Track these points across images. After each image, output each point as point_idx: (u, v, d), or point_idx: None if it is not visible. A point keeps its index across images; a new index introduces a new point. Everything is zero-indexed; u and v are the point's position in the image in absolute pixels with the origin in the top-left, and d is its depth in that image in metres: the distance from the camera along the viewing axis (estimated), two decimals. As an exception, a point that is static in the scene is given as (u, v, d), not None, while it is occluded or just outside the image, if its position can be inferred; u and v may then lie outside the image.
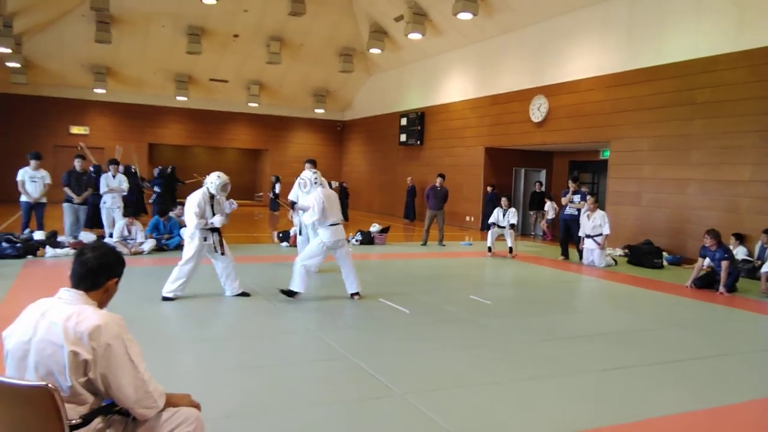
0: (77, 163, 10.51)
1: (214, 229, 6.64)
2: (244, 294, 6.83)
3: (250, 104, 23.98)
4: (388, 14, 17.90)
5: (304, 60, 21.78)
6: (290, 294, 6.73)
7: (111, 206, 10.96)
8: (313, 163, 8.43)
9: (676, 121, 11.51)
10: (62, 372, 2.12)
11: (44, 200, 10.50)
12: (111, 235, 10.25)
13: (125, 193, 11.37)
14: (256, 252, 10.86)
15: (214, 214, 6.63)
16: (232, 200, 6.94)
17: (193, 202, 6.50)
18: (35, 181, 10.32)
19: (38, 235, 9.87)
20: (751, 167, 10.27)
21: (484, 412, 3.73)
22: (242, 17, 18.69)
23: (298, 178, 7.27)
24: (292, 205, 8.64)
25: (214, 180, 6.60)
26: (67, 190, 10.27)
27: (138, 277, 7.93)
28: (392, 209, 21.41)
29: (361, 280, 7.08)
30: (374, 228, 13.18)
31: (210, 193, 6.61)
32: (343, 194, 19.12)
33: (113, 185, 10.95)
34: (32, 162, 10.34)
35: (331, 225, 6.84)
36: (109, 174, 11.05)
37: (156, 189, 14.63)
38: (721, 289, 8.25)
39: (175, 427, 2.31)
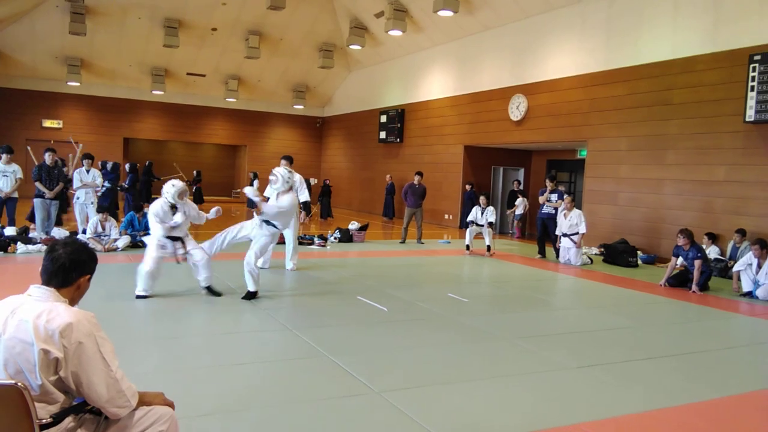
0: (47, 157, 10.25)
1: (175, 238, 6.65)
2: (210, 289, 6.69)
3: (228, 99, 23.76)
4: (369, 10, 17.87)
5: (283, 55, 21.63)
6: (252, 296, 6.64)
7: (85, 202, 10.76)
8: (290, 160, 8.37)
9: (653, 122, 11.67)
10: (32, 370, 2.07)
11: (15, 195, 10.26)
12: (84, 231, 10.07)
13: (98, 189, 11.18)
14: (234, 249, 10.74)
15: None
16: (218, 208, 7.06)
17: (153, 211, 6.61)
18: (6, 176, 10.08)
19: (9, 231, 9.66)
20: (726, 168, 10.46)
21: (460, 409, 3.73)
22: (220, 10, 18.49)
23: (271, 173, 6.99)
24: (305, 206, 8.56)
25: (169, 190, 6.64)
26: (38, 185, 10.02)
27: (112, 274, 7.80)
28: (371, 207, 21.39)
29: (338, 277, 7.08)
30: (353, 226, 13.15)
31: (169, 202, 6.65)
32: (326, 192, 19.03)
33: (87, 180, 10.75)
34: (3, 156, 10.11)
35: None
36: (83, 169, 10.84)
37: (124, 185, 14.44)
38: (694, 287, 8.39)
39: (148, 426, 2.27)
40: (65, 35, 18.34)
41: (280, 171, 6.89)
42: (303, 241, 12.06)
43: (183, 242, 6.71)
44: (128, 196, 14.16)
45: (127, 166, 15.33)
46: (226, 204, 22.91)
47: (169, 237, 6.63)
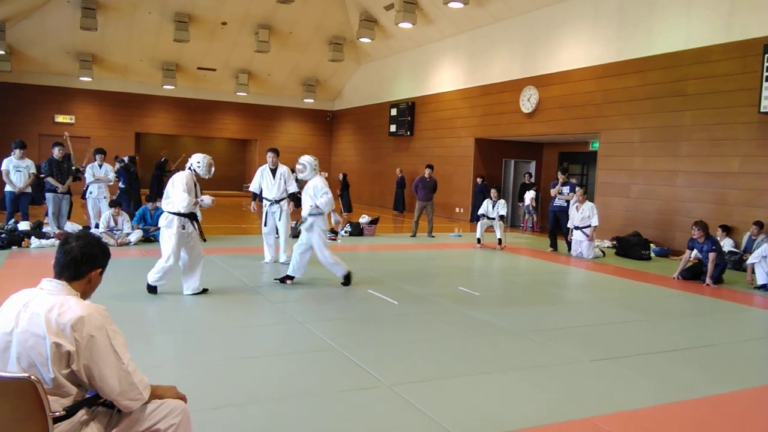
0: (56, 152, 10.30)
1: (192, 217, 6.24)
2: (204, 291, 6.40)
3: (238, 93, 23.79)
4: (379, 2, 17.79)
5: (293, 48, 21.61)
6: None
7: (97, 196, 10.81)
8: (277, 153, 8.64)
9: (666, 113, 11.54)
10: (45, 364, 2.08)
11: (29, 190, 10.35)
12: (97, 226, 10.13)
13: (112, 183, 11.23)
14: (244, 243, 10.80)
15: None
16: (213, 198, 6.51)
17: (182, 180, 6.08)
18: (20, 171, 10.17)
19: (23, 226, 9.75)
20: (740, 159, 10.33)
21: (471, 402, 3.72)
22: (230, 4, 18.50)
23: (297, 163, 7.06)
24: (293, 197, 8.60)
25: (200, 160, 6.28)
26: (50, 179, 10.10)
27: (124, 268, 7.85)
28: (382, 200, 21.37)
29: (350, 270, 7.14)
30: (363, 219, 13.14)
31: (197, 173, 6.30)
32: (346, 186, 18.83)
33: (100, 175, 10.81)
34: (17, 151, 10.19)
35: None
36: (95, 164, 10.89)
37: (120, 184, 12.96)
38: (708, 280, 8.31)
39: (161, 419, 2.28)
40: (76, 30, 18.43)
41: (307, 159, 7.05)
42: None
43: (197, 221, 6.31)
44: (123, 197, 12.39)
45: (118, 164, 13.37)
46: (237, 198, 22.99)
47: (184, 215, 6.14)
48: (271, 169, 8.57)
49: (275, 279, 7.26)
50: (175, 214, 6.10)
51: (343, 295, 6.79)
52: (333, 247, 10.81)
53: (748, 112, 10.06)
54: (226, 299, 6.33)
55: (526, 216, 15.74)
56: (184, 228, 6.14)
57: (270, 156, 8.60)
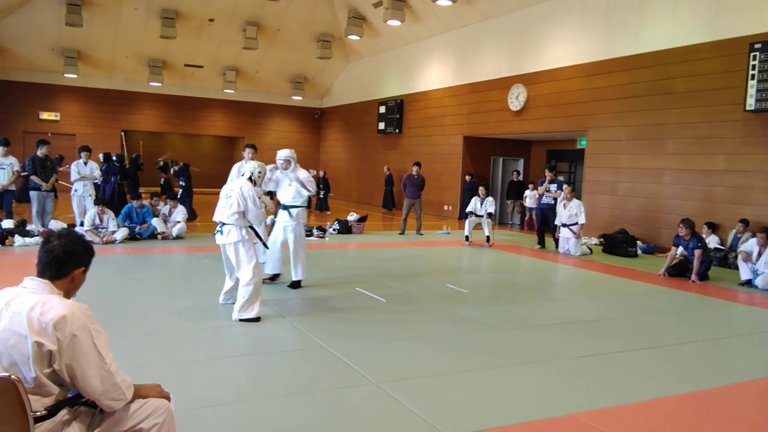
0: (40, 150, 10.18)
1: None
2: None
3: (226, 90, 23.65)
4: (367, 0, 17.75)
5: (281, 46, 21.52)
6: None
7: (83, 194, 10.71)
8: (255, 148, 8.06)
9: (652, 111, 11.62)
10: (26, 363, 2.06)
11: (13, 188, 10.23)
12: (82, 224, 10.04)
13: (97, 181, 11.12)
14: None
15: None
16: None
17: (251, 194, 5.60)
18: (3, 169, 10.04)
19: (7, 224, 9.64)
20: (726, 157, 10.42)
21: (458, 399, 3.73)
22: (218, 1, 18.39)
23: (279, 159, 6.97)
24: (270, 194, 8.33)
25: (260, 170, 6.01)
26: (34, 178, 9.98)
27: (109, 266, 7.79)
28: (370, 198, 21.35)
29: (337, 268, 7.07)
30: (352, 217, 13.12)
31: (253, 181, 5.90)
32: (324, 184, 18.55)
33: (85, 173, 10.70)
34: (0, 149, 10.06)
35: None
36: (81, 161, 10.78)
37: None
38: (694, 277, 8.38)
39: (144, 419, 2.25)
40: (61, 27, 18.23)
41: (288, 152, 6.99)
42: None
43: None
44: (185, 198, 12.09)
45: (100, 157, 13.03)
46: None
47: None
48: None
49: (288, 286, 6.89)
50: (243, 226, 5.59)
51: (331, 293, 6.77)
52: (322, 245, 10.79)
53: (734, 110, 10.15)
54: (211, 298, 6.29)
55: (530, 215, 15.56)
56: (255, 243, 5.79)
57: (249, 151, 8.29)
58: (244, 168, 6.49)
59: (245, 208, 5.53)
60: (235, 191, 5.59)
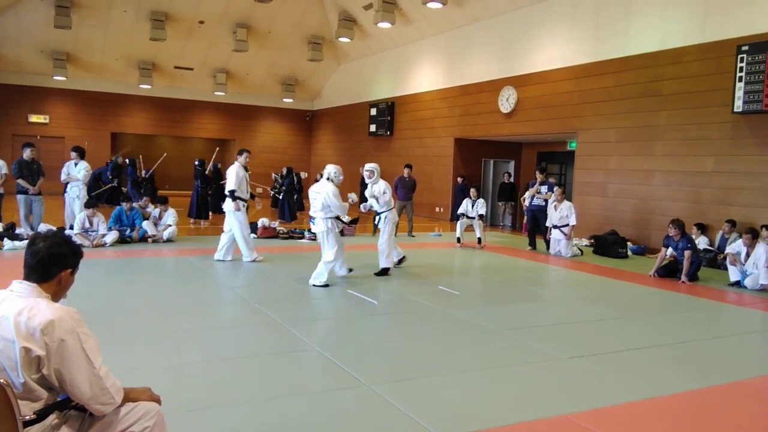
0: (26, 153, 10.08)
1: (338, 218, 7.37)
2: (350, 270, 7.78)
3: (216, 93, 23.56)
4: (358, 2, 17.76)
5: (271, 48, 21.48)
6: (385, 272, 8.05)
7: (71, 195, 10.61)
8: (246, 152, 9.10)
9: (641, 113, 11.69)
10: (14, 368, 2.04)
11: (1, 191, 10.13)
12: (72, 227, 9.96)
13: (85, 182, 10.99)
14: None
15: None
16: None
17: (336, 192, 7.18)
18: (-9, 171, 9.95)
19: (-5, 227, 9.55)
20: (715, 158, 10.50)
21: (450, 401, 3.73)
22: (208, 3, 18.32)
23: (365, 170, 8.54)
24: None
25: (336, 172, 7.35)
26: (21, 181, 9.89)
27: (100, 269, 7.74)
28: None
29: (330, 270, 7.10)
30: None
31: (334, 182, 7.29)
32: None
33: (74, 174, 10.60)
34: (-12, 151, 9.96)
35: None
36: (71, 162, 10.68)
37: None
38: (683, 278, 8.43)
39: (135, 422, 2.23)
40: (50, 29, 18.10)
41: (372, 165, 8.46)
42: (293, 235, 12.04)
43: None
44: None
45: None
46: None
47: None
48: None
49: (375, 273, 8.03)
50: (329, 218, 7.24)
51: (323, 295, 6.76)
52: (313, 247, 10.77)
53: (722, 112, 10.23)
54: (202, 301, 6.26)
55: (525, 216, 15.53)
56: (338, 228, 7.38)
57: (245, 155, 8.95)
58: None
59: (329, 204, 7.09)
60: (321, 192, 7.13)
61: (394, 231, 8.49)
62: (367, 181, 8.55)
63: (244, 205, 8.64)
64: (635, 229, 11.85)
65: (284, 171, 17.05)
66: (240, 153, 8.94)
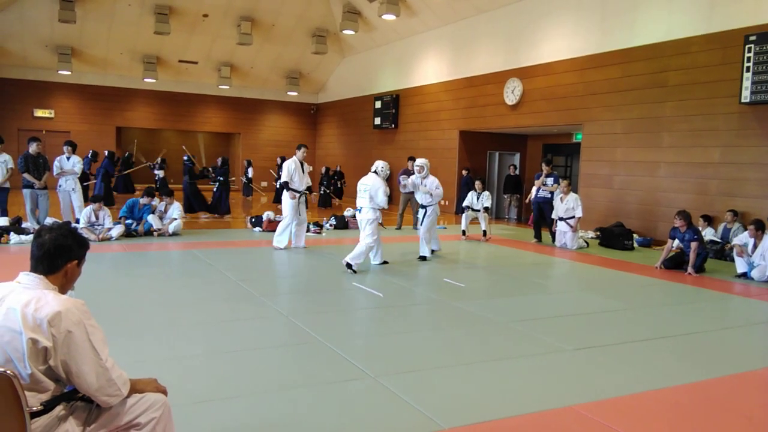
0: (32, 147, 10.10)
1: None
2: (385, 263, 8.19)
3: (220, 86, 23.57)
4: (362, -5, 17.70)
5: (275, 41, 21.44)
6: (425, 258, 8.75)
7: (66, 189, 10.61)
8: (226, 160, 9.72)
9: (647, 104, 11.62)
10: (21, 359, 2.05)
11: (7, 185, 10.16)
12: (78, 221, 9.99)
13: (76, 175, 10.95)
14: (228, 237, 10.73)
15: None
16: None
17: (384, 185, 7.80)
18: (-2, 166, 9.98)
19: (2, 222, 9.58)
20: (721, 149, 10.44)
21: (456, 392, 3.73)
22: (212, -3, 18.29)
23: (416, 165, 9.33)
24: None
25: (383, 167, 8.03)
26: (26, 176, 9.91)
27: (106, 263, 7.76)
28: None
29: (333, 263, 7.06)
30: (348, 212, 13.11)
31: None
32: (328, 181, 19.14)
33: (66, 168, 10.60)
34: (-6, 146, 9.99)
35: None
36: (63, 156, 10.68)
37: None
38: (690, 269, 8.40)
39: (141, 413, 2.24)
40: (55, 23, 18.11)
41: (422, 161, 9.25)
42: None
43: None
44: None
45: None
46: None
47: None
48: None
49: (419, 258, 8.77)
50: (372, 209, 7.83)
51: (328, 287, 6.77)
52: (318, 240, 10.78)
53: (729, 103, 10.16)
54: (208, 293, 6.28)
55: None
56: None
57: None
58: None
59: (374, 196, 7.72)
60: (370, 186, 7.79)
61: (436, 221, 9.38)
62: (417, 176, 9.19)
63: (299, 196, 9.32)
64: (641, 220, 11.80)
65: (219, 161, 16.22)
66: (298, 148, 9.65)
